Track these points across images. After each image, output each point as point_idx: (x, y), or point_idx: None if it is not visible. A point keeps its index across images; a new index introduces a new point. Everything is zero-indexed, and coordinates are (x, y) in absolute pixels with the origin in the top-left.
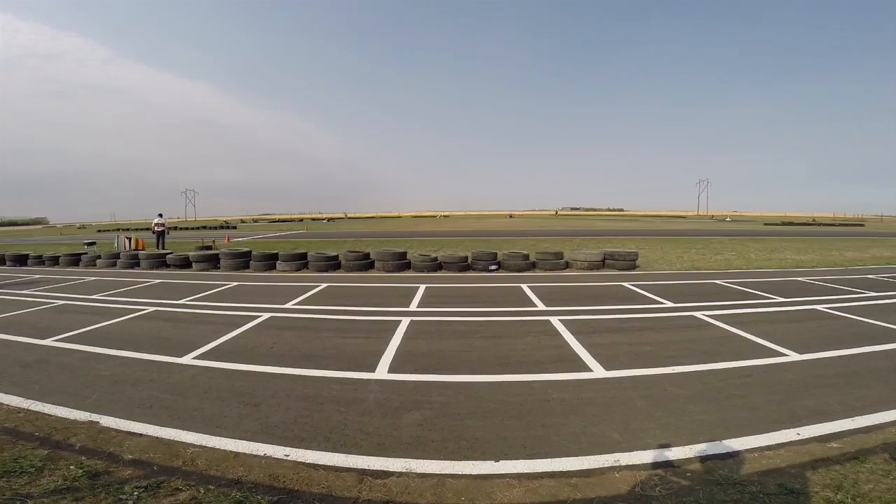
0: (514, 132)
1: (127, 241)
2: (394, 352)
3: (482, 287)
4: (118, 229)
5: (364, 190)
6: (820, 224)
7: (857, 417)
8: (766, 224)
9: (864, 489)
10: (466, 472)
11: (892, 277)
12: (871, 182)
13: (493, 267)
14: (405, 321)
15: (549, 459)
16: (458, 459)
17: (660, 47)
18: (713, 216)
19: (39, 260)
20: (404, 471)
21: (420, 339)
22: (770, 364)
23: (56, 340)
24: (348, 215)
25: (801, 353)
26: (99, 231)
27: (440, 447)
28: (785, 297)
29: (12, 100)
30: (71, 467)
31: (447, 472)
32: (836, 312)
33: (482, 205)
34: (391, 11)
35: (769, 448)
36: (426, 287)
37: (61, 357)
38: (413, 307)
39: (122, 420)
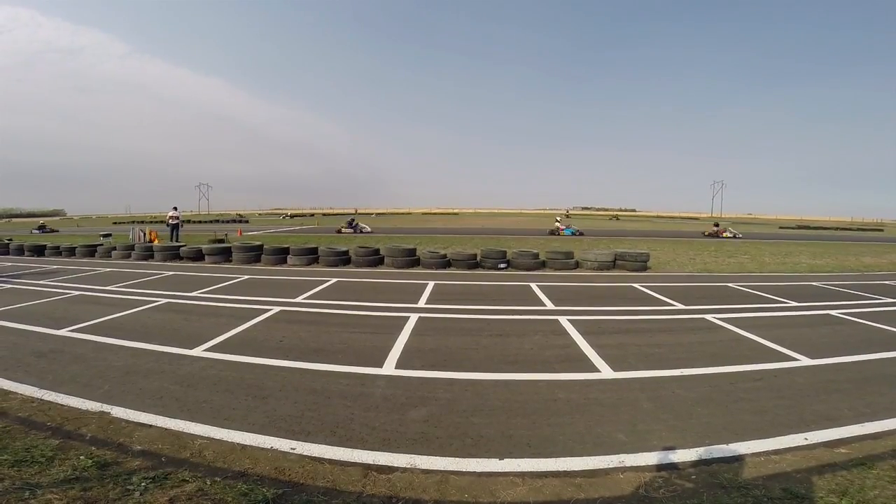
0: (526, 131)
1: (141, 234)
2: (401, 348)
3: (491, 285)
4: (133, 221)
5: (375, 186)
6: (837, 228)
7: (866, 423)
8: (781, 227)
9: (869, 495)
10: (470, 469)
11: None
12: (891, 186)
13: (503, 265)
14: (413, 317)
15: (553, 459)
16: (462, 456)
17: (674, 50)
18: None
19: (57, 251)
20: (409, 466)
21: (428, 336)
22: (781, 368)
23: (70, 331)
24: (358, 211)
25: (812, 357)
26: (114, 223)
27: (445, 444)
28: (798, 302)
29: (33, 94)
30: (81, 457)
31: (451, 468)
32: (850, 318)
33: (493, 202)
34: (405, 11)
35: (776, 452)
36: (435, 284)
37: (75, 347)
38: (421, 304)
39: (132, 411)
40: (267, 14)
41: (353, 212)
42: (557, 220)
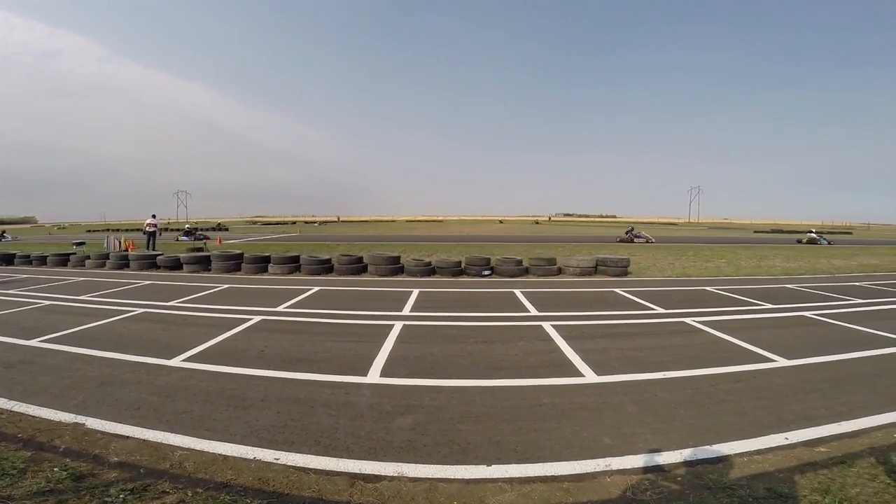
0: (508, 138)
1: (117, 242)
2: (386, 356)
3: (475, 292)
4: (108, 229)
5: (358, 193)
6: (809, 232)
7: (843, 422)
8: (755, 232)
9: (851, 493)
10: (458, 476)
11: (878, 285)
12: (860, 189)
13: (487, 272)
14: (398, 325)
15: (541, 464)
16: (450, 464)
17: (652, 55)
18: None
19: (27, 259)
20: (396, 475)
21: (413, 344)
22: (759, 370)
23: (42, 341)
24: (341, 219)
25: (789, 358)
26: (88, 231)
27: (432, 451)
28: (774, 304)
29: (7, 97)
30: (55, 469)
31: (439, 476)
32: (823, 319)
33: (476, 209)
34: (388, 17)
35: (758, 452)
36: (419, 291)
37: (47, 358)
38: (406, 311)
39: (109, 422)
40: (251, 18)
41: (336, 219)
42: (812, 232)
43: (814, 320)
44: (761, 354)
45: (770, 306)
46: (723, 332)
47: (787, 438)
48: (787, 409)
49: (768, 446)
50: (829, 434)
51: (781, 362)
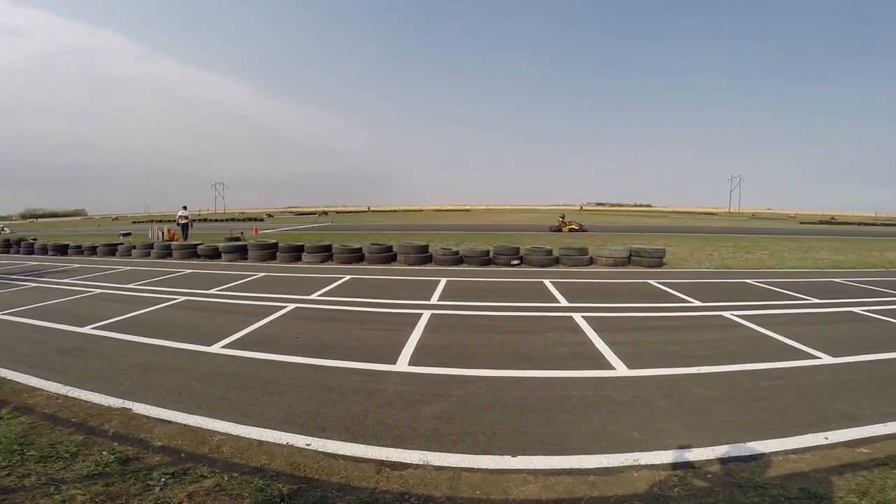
0: (540, 128)
1: (160, 233)
2: (414, 344)
3: (504, 282)
4: (152, 220)
5: (387, 183)
6: (861, 223)
7: (889, 423)
8: (801, 223)
9: (890, 495)
10: (483, 465)
11: None
12: None
13: (515, 261)
14: (426, 314)
15: (567, 456)
16: (475, 453)
17: (687, 47)
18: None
19: (79, 250)
20: (421, 463)
21: (440, 333)
22: (800, 366)
23: (93, 328)
24: (371, 208)
25: (834, 355)
26: (134, 223)
27: (458, 440)
28: (819, 299)
29: (51, 96)
30: (104, 453)
31: (464, 465)
32: (873, 315)
33: (506, 199)
34: (418, 10)
35: (795, 452)
36: (447, 280)
37: (97, 344)
38: (434, 300)
39: (153, 407)
40: (283, 15)
41: (367, 209)
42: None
43: (863, 316)
44: (804, 351)
45: (815, 301)
46: (763, 327)
47: (826, 438)
48: (828, 408)
49: (806, 445)
50: (872, 435)
51: (826, 359)
